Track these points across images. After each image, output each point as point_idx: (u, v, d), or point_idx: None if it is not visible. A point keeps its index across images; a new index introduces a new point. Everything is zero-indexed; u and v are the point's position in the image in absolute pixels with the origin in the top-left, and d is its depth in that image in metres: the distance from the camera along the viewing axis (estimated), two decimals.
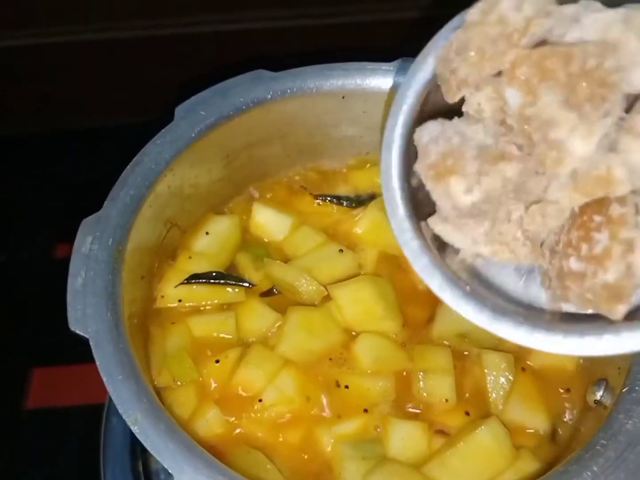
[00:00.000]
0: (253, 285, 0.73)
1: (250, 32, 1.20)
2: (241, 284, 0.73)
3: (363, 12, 1.21)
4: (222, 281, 0.73)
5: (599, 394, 0.63)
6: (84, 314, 0.56)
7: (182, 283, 0.72)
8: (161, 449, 0.51)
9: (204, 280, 0.72)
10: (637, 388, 0.55)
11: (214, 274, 0.73)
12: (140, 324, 0.66)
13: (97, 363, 0.54)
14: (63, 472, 0.90)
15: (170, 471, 0.49)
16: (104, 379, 0.53)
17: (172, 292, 0.71)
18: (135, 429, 0.51)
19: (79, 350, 0.95)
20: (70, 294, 0.57)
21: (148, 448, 0.50)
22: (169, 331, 0.70)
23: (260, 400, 0.66)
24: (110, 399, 0.86)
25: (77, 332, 0.55)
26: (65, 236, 1.07)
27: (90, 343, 0.55)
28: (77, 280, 0.58)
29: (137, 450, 0.86)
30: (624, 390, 0.55)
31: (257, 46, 1.21)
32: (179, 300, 0.71)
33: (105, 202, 0.63)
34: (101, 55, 1.20)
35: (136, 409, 0.52)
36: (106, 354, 0.55)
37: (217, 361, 0.67)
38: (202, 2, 1.14)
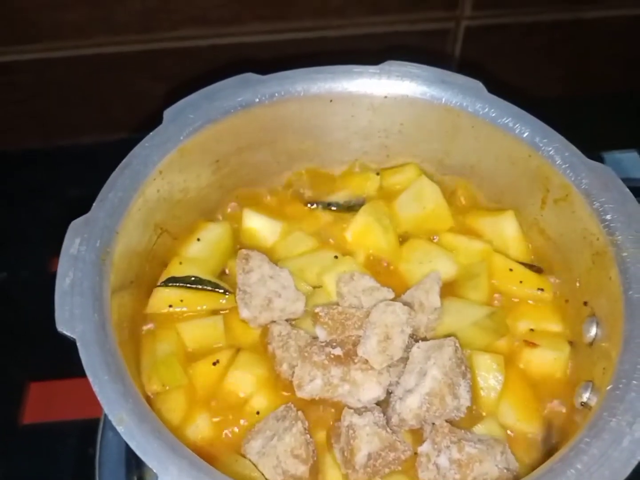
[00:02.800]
0: (229, 292, 0.73)
1: (244, 45, 1.22)
2: (218, 290, 0.73)
3: (352, 26, 1.22)
4: (199, 286, 0.72)
5: (585, 396, 0.63)
6: (71, 315, 0.56)
7: (160, 285, 0.72)
8: (146, 449, 0.50)
9: (180, 284, 0.72)
10: (620, 386, 0.55)
11: (192, 278, 0.72)
12: (130, 329, 0.66)
13: (83, 362, 0.54)
14: None
15: (155, 471, 0.49)
16: (90, 379, 0.53)
17: (162, 298, 0.71)
18: (120, 429, 0.51)
19: (75, 365, 0.96)
20: (58, 295, 0.57)
21: (133, 447, 0.50)
22: (159, 337, 0.69)
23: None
24: (106, 416, 0.88)
25: (64, 332, 0.55)
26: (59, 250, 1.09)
27: (77, 343, 0.55)
28: (65, 281, 0.58)
29: (132, 465, 0.85)
30: (608, 388, 0.55)
31: (251, 59, 1.23)
32: (170, 306, 0.71)
33: (94, 204, 0.63)
34: (100, 70, 1.21)
35: (122, 409, 0.52)
36: (92, 354, 0.54)
37: (210, 364, 0.67)
38: (198, 17, 1.15)
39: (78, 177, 1.22)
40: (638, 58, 1.36)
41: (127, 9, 1.13)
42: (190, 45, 1.21)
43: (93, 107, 1.27)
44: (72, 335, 0.55)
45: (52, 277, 1.05)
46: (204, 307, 0.72)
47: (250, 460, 0.61)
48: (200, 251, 0.76)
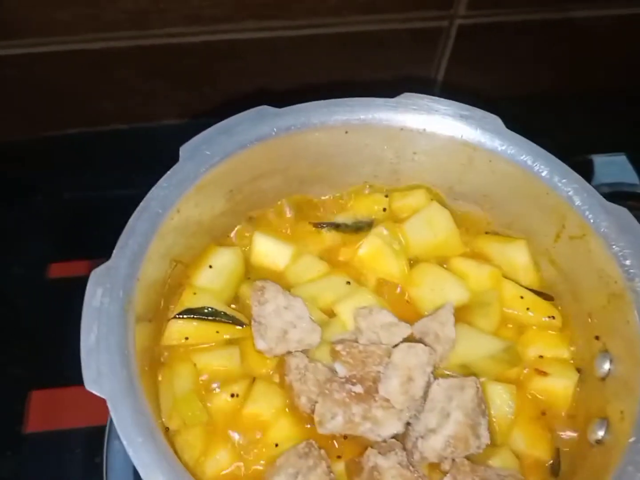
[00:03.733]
0: (244, 324, 0.73)
1: (237, 42, 1.19)
2: (232, 322, 0.73)
3: (347, 24, 1.21)
4: (215, 318, 0.73)
5: (600, 433, 0.64)
6: (98, 373, 0.56)
7: (175, 317, 0.72)
8: None
9: (195, 316, 0.72)
10: None
11: (207, 309, 0.72)
12: (149, 367, 0.66)
13: (116, 425, 0.54)
14: None
15: None
16: (124, 442, 0.53)
17: (178, 330, 0.71)
18: None
19: (77, 372, 0.96)
20: (84, 352, 0.57)
21: None
22: (177, 372, 0.69)
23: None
24: (112, 421, 0.87)
25: (94, 392, 0.55)
26: (58, 256, 1.08)
27: (108, 404, 0.54)
28: (90, 337, 0.57)
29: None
30: (631, 440, 0.57)
31: (244, 56, 1.20)
32: (186, 338, 0.71)
33: (115, 251, 0.62)
34: (88, 65, 1.18)
35: (157, 472, 0.52)
36: (124, 415, 0.54)
37: (228, 396, 0.68)
38: (191, 15, 1.13)
39: (67, 169, 1.21)
40: (626, 58, 1.37)
41: (118, 8, 1.10)
42: (181, 42, 1.19)
43: (81, 101, 1.24)
44: (101, 396, 0.55)
45: (50, 284, 1.06)
46: (223, 336, 0.72)
47: None
48: (212, 279, 0.76)
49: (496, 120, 0.73)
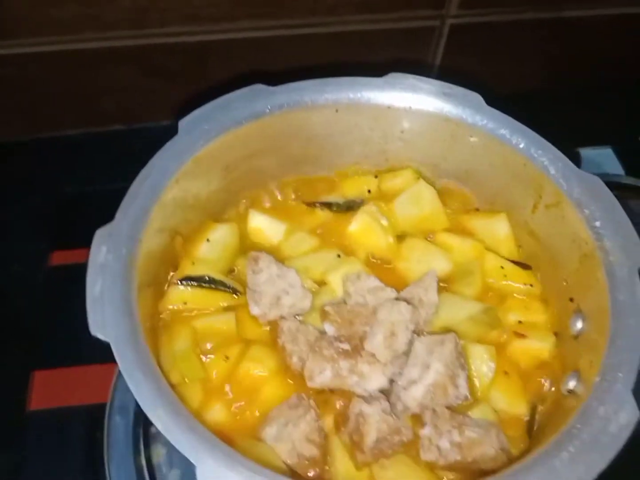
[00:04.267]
0: (240, 293, 0.77)
1: (235, 41, 1.24)
2: (229, 290, 0.78)
3: (341, 23, 1.26)
4: (212, 285, 0.77)
5: (572, 384, 0.69)
6: (103, 320, 0.60)
7: (175, 283, 0.76)
8: (183, 443, 0.55)
9: (195, 283, 0.77)
10: (607, 378, 0.60)
11: (206, 278, 0.77)
12: (150, 328, 0.70)
13: (119, 365, 0.58)
14: (68, 470, 0.92)
15: (193, 462, 0.53)
16: (127, 381, 0.57)
17: (177, 295, 0.75)
18: (159, 425, 0.55)
19: (79, 353, 0.99)
20: (90, 302, 0.61)
21: (172, 442, 0.54)
22: (176, 333, 0.74)
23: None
24: (113, 398, 0.91)
25: (99, 336, 0.59)
26: (59, 244, 1.12)
27: (112, 347, 0.59)
28: (95, 288, 0.62)
29: (140, 446, 0.89)
30: (596, 380, 0.61)
31: (242, 55, 1.25)
32: (184, 303, 0.75)
33: (117, 214, 0.67)
34: (88, 64, 1.23)
35: (158, 406, 0.56)
36: (126, 356, 0.58)
37: (224, 357, 0.72)
38: (189, 14, 1.17)
39: (67, 169, 1.25)
40: (614, 55, 1.42)
41: (117, 7, 1.15)
42: (179, 41, 1.23)
43: (80, 100, 1.28)
44: (106, 339, 0.59)
45: (52, 271, 1.10)
46: (217, 304, 0.77)
47: (266, 444, 0.66)
48: (210, 251, 0.80)
49: (477, 98, 0.78)
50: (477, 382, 0.73)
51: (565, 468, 0.56)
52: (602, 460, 0.56)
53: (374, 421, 0.66)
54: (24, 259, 1.13)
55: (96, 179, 1.21)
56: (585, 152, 1.29)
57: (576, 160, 1.19)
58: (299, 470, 0.66)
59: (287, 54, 1.24)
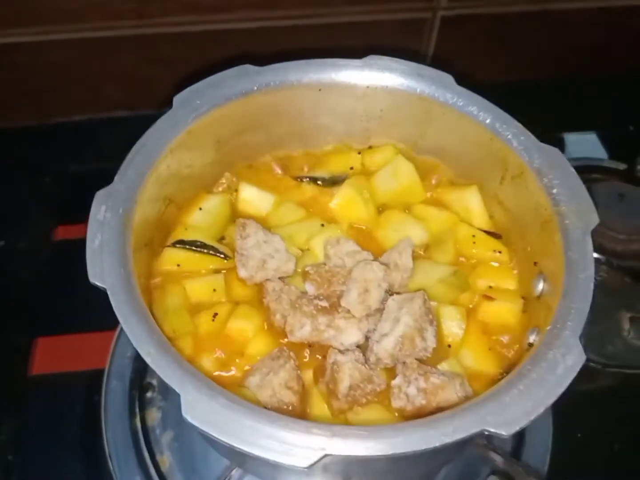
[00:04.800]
0: (228, 257, 0.83)
1: (233, 31, 1.31)
2: (219, 255, 0.84)
3: (335, 15, 1.32)
4: (203, 250, 0.83)
5: (531, 338, 0.75)
6: (101, 269, 0.66)
7: (169, 245, 0.83)
8: (170, 375, 0.61)
9: (187, 247, 0.83)
10: (557, 326, 0.66)
11: (198, 242, 0.83)
12: (145, 286, 0.76)
13: (114, 308, 0.64)
14: (67, 432, 0.99)
15: (177, 391, 0.59)
16: (121, 320, 0.63)
17: (171, 257, 0.82)
18: (148, 360, 0.61)
19: (80, 321, 1.06)
20: (89, 253, 0.67)
21: (159, 374, 0.61)
22: (169, 291, 0.80)
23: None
24: (111, 364, 0.97)
25: (96, 284, 0.65)
26: (64, 220, 1.18)
27: (108, 292, 0.65)
28: (94, 242, 0.68)
29: (135, 409, 0.96)
30: (547, 329, 0.67)
31: (240, 45, 1.32)
32: (177, 265, 0.82)
33: (115, 177, 0.73)
34: (95, 52, 1.29)
35: (149, 344, 0.63)
36: (121, 301, 0.65)
37: (212, 315, 0.78)
38: (190, 4, 1.24)
39: (73, 152, 1.32)
40: (598, 47, 1.47)
41: None
42: (182, 31, 1.30)
43: (86, 87, 1.35)
44: (103, 286, 0.65)
45: (57, 244, 1.17)
46: (210, 266, 0.83)
47: (249, 390, 0.72)
48: (202, 219, 0.86)
49: (448, 78, 0.84)
50: (448, 341, 0.79)
51: (514, 402, 0.61)
52: (548, 397, 0.61)
53: (347, 368, 0.72)
54: (30, 235, 1.20)
55: (100, 160, 1.27)
56: (570, 137, 1.34)
57: (560, 144, 1.26)
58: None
59: (282, 44, 1.30)
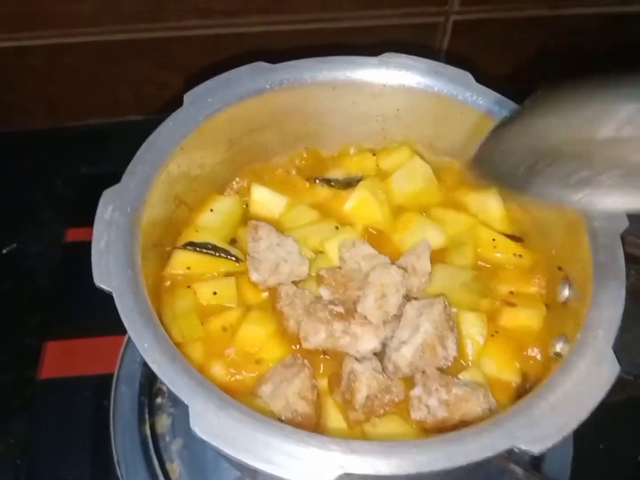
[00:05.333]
0: (240, 260, 0.81)
1: (246, 35, 1.29)
2: (231, 258, 0.81)
3: (348, 19, 1.30)
4: (214, 253, 0.81)
5: (558, 347, 0.71)
6: (107, 271, 0.64)
7: (179, 247, 0.80)
8: (177, 384, 0.58)
9: (197, 249, 0.80)
10: (589, 336, 0.63)
11: (209, 245, 0.80)
12: (153, 286, 0.73)
13: (120, 311, 0.61)
14: (75, 437, 0.96)
15: (185, 402, 0.56)
16: (126, 324, 0.61)
17: (181, 260, 0.79)
18: (154, 367, 0.58)
19: (90, 325, 1.03)
20: (95, 254, 0.65)
21: (166, 383, 0.58)
22: (178, 294, 0.77)
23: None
24: (120, 369, 0.95)
25: (102, 286, 0.63)
26: (75, 222, 1.17)
27: (113, 295, 0.62)
28: (101, 242, 0.65)
29: (144, 415, 0.93)
30: (577, 337, 0.63)
31: (254, 49, 1.30)
32: (187, 268, 0.79)
33: (124, 176, 0.71)
34: (108, 56, 1.28)
35: (155, 349, 0.60)
36: (127, 303, 0.62)
37: (224, 321, 0.75)
38: (203, 8, 1.22)
39: (86, 155, 1.31)
40: (610, 53, 1.44)
41: (136, 1, 1.20)
42: (194, 34, 1.28)
43: (99, 91, 1.33)
44: (108, 289, 0.63)
45: (67, 246, 1.15)
46: (221, 269, 0.80)
47: (262, 400, 0.69)
48: (213, 221, 0.84)
49: (467, 76, 0.81)
50: (468, 349, 0.75)
51: (545, 417, 0.58)
52: (581, 411, 0.58)
53: (365, 378, 0.68)
54: (42, 237, 1.18)
55: (113, 164, 1.26)
56: None
57: None
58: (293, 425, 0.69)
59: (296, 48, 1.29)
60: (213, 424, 0.56)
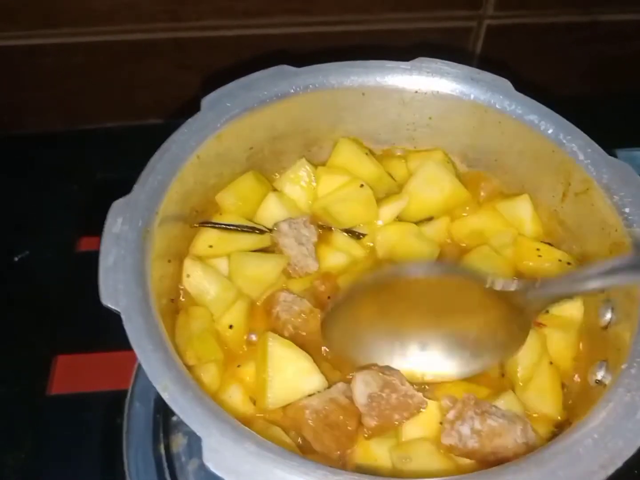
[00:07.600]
0: (265, 231, 0.77)
1: (270, 37, 1.25)
2: (254, 231, 0.77)
3: (377, 21, 1.25)
4: (237, 228, 0.77)
5: (599, 374, 0.66)
6: (115, 290, 0.59)
7: (200, 224, 0.76)
8: (190, 414, 0.53)
9: (221, 226, 0.77)
10: (635, 365, 0.58)
11: (233, 225, 0.77)
12: (165, 308, 0.69)
13: (128, 334, 0.57)
14: (86, 455, 0.93)
15: (198, 434, 0.52)
16: (135, 350, 0.56)
17: (203, 238, 0.76)
18: (165, 395, 0.54)
19: (103, 339, 1.00)
20: (102, 272, 0.60)
21: (177, 413, 0.53)
22: (193, 315, 0.72)
23: None
24: (134, 385, 0.91)
25: (109, 306, 0.58)
26: (88, 230, 1.13)
27: (122, 316, 0.58)
28: (109, 258, 0.61)
29: (159, 434, 0.89)
30: (623, 367, 0.58)
31: (276, 51, 1.26)
32: (210, 246, 0.75)
33: (134, 186, 0.66)
34: (125, 56, 1.24)
35: (165, 377, 0.55)
36: (136, 326, 0.57)
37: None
38: (224, 8, 1.18)
39: (102, 160, 1.27)
40: None
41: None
42: (215, 35, 1.24)
43: (116, 92, 1.30)
44: (116, 309, 0.58)
45: (79, 256, 1.11)
46: (241, 247, 0.76)
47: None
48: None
49: (506, 83, 0.76)
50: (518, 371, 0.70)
51: (588, 454, 0.53)
52: (628, 448, 0.54)
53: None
54: (54, 245, 1.15)
55: (130, 169, 1.22)
56: (623, 153, 1.25)
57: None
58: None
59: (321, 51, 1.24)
60: (228, 458, 0.52)
